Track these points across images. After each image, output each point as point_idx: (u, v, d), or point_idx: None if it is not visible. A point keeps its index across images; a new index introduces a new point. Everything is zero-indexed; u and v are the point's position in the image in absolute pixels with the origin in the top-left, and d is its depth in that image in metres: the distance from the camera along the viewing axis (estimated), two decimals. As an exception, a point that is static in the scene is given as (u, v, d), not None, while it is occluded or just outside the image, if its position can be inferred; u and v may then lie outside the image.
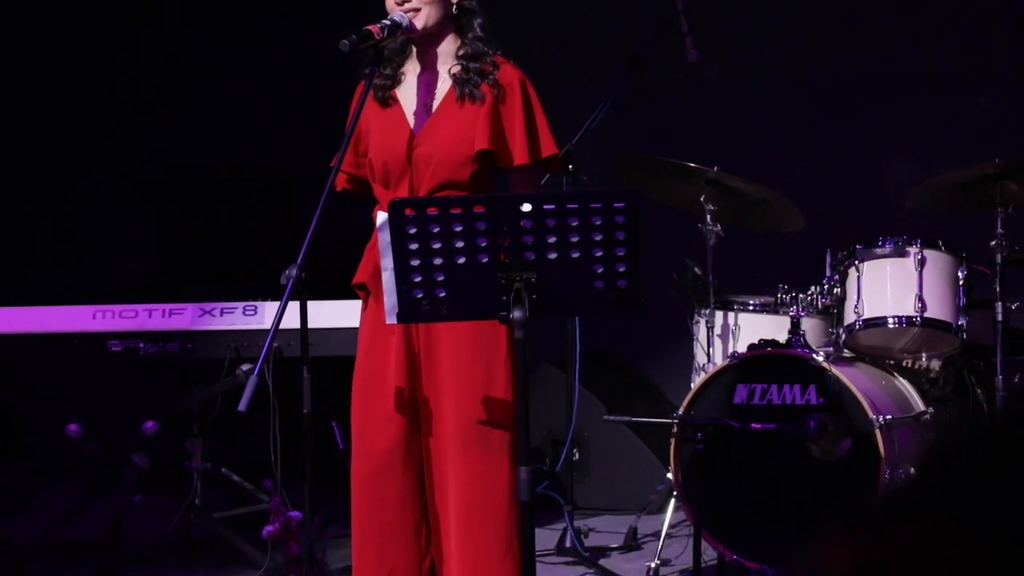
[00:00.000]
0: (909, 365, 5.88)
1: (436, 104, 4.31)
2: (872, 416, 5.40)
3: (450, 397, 4.25)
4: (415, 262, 3.89)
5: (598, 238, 3.86)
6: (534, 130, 4.31)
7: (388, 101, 4.35)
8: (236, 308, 5.85)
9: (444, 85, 4.33)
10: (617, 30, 7.21)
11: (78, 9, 7.58)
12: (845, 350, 5.78)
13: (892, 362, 5.85)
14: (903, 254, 5.69)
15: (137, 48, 7.62)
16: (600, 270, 3.89)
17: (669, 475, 5.70)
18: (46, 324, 5.86)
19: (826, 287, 5.83)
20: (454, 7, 4.31)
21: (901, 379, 5.81)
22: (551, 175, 5.47)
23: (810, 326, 5.83)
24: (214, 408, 5.76)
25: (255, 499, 5.94)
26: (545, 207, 3.85)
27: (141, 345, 5.84)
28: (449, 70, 4.32)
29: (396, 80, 4.35)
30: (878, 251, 5.72)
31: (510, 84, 4.29)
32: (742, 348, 5.78)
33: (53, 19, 7.58)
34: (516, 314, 3.86)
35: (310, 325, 4.45)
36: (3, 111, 7.63)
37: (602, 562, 5.87)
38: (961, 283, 5.70)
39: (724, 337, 5.96)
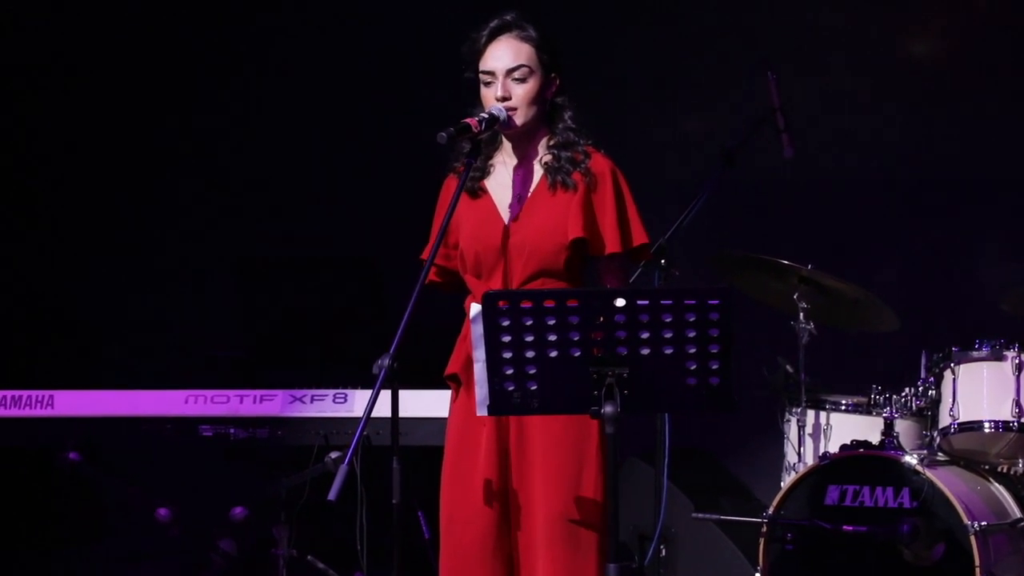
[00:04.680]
0: (1005, 471, 5.79)
1: (528, 194, 4.34)
2: (967, 522, 5.32)
3: (540, 492, 4.22)
4: (507, 354, 3.89)
5: (691, 335, 3.85)
6: (625, 219, 4.32)
7: (478, 192, 4.38)
8: (326, 395, 5.88)
9: (536, 176, 4.36)
10: (712, 125, 7.22)
11: (169, 90, 7.69)
12: (939, 453, 5.70)
13: (987, 467, 5.77)
14: (1000, 358, 5.63)
15: (231, 133, 7.71)
16: (693, 367, 3.88)
17: (757, 575, 5.63)
18: (138, 408, 5.92)
19: (921, 389, 5.77)
20: (548, 104, 4.35)
21: (997, 484, 5.72)
22: (644, 270, 5.48)
23: (904, 428, 5.77)
24: (302, 495, 5.77)
25: (340, 587, 5.93)
26: (639, 303, 3.85)
27: (231, 430, 5.88)
28: (540, 159, 4.35)
29: (485, 171, 4.39)
30: (975, 354, 5.66)
31: (601, 173, 4.32)
32: (834, 448, 5.73)
33: (143, 101, 7.69)
34: (608, 409, 3.85)
35: (400, 414, 4.45)
36: (99, 196, 7.74)
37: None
38: (1059, 388, 5.63)
39: (815, 437, 5.90)
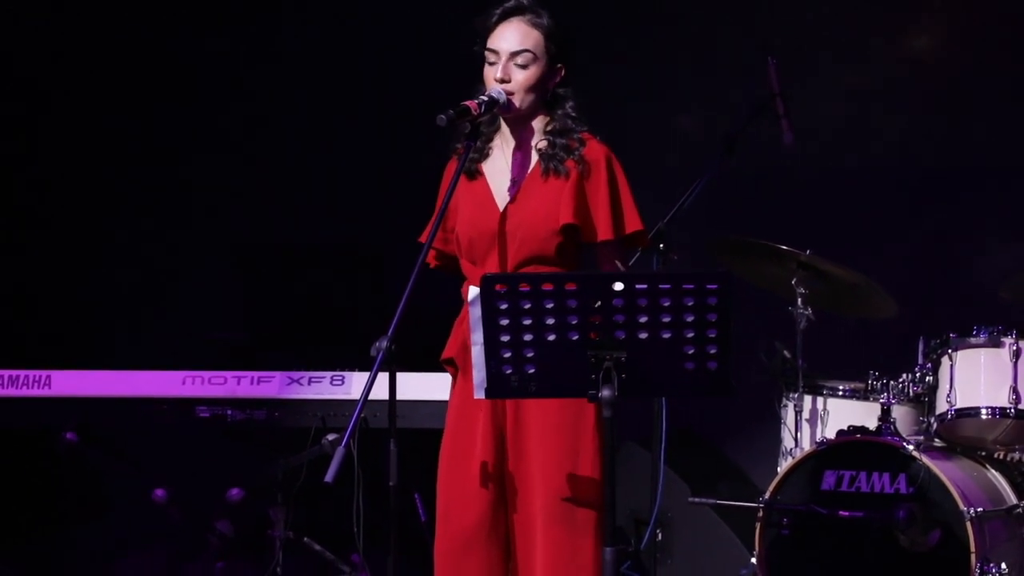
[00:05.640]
0: (1002, 457, 5.80)
1: (523, 179, 4.33)
2: (963, 508, 5.32)
3: (537, 474, 4.23)
4: (505, 338, 3.89)
5: (690, 319, 3.85)
6: (619, 206, 4.31)
7: (474, 175, 4.38)
8: (324, 377, 5.89)
9: (532, 161, 4.35)
10: (712, 110, 7.21)
11: (169, 78, 7.68)
12: (936, 439, 5.71)
13: (984, 453, 5.78)
14: (998, 344, 5.63)
15: (230, 118, 7.70)
16: (691, 351, 3.88)
17: (753, 560, 5.64)
18: (136, 388, 5.92)
19: (918, 375, 5.77)
20: (548, 93, 4.34)
21: (993, 471, 5.73)
22: (642, 254, 5.48)
23: (901, 414, 5.77)
24: (299, 477, 5.78)
25: (336, 569, 5.93)
26: (637, 287, 3.85)
27: (229, 412, 5.88)
28: (536, 145, 4.34)
29: (483, 154, 4.39)
30: (972, 340, 5.66)
31: (595, 160, 4.31)
32: (831, 434, 5.73)
33: (145, 88, 7.68)
34: (605, 393, 3.85)
35: (397, 397, 4.45)
36: (98, 178, 7.73)
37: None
38: (1057, 375, 5.63)
39: (812, 422, 5.91)
